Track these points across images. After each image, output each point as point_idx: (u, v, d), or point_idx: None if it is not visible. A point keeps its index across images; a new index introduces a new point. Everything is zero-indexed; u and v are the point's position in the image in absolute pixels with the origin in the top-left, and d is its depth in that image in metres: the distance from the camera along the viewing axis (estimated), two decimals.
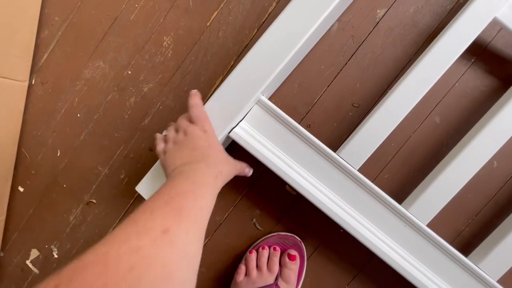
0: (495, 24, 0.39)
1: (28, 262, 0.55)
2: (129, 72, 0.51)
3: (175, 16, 0.50)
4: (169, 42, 0.50)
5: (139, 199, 0.52)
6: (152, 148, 0.52)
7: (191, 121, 0.37)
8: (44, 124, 0.53)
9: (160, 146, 0.38)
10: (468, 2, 0.38)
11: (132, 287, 0.20)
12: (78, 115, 0.53)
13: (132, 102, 0.51)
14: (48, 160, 0.54)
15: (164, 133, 0.40)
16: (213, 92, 0.50)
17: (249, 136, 0.40)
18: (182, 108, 0.50)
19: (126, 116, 0.52)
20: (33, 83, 0.53)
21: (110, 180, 0.53)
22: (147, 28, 0.50)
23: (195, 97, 0.38)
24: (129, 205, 0.53)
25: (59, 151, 0.53)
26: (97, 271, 0.20)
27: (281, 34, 0.37)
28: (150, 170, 0.42)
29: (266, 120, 0.40)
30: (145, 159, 0.52)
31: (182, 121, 0.38)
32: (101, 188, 0.53)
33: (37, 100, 0.53)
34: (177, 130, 0.38)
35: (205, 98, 0.50)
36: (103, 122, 0.52)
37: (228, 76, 0.39)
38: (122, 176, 0.52)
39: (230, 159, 0.39)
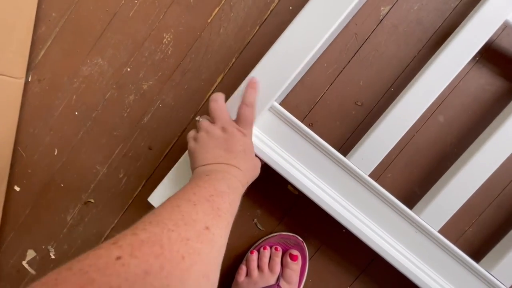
0: (506, 27, 0.38)
1: (24, 263, 0.54)
2: (128, 70, 0.50)
3: (175, 13, 0.49)
4: (169, 39, 0.49)
5: (138, 199, 0.52)
6: (151, 147, 0.51)
7: (234, 118, 0.36)
8: (41, 122, 0.52)
9: (192, 132, 0.37)
10: (477, 6, 0.38)
11: (183, 277, 0.20)
12: (76, 113, 0.52)
13: (131, 100, 0.51)
14: (45, 159, 0.53)
15: (197, 118, 0.38)
16: (214, 90, 0.50)
17: (254, 138, 0.39)
18: (182, 106, 0.50)
19: (125, 114, 0.51)
20: (29, 80, 0.52)
21: (108, 179, 0.52)
22: (146, 25, 0.50)
23: (252, 94, 0.36)
24: (127, 205, 0.52)
25: (56, 149, 0.52)
26: (154, 251, 0.20)
27: (295, 41, 0.37)
28: (163, 181, 0.41)
29: (272, 122, 0.40)
30: (144, 158, 0.51)
31: (224, 115, 0.36)
32: (99, 187, 0.52)
33: (33, 98, 0.52)
34: (212, 121, 0.36)
35: (205, 96, 0.49)
36: (102, 120, 0.51)
37: (241, 85, 0.38)
38: (121, 176, 0.51)
39: (257, 165, 0.37)
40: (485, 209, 0.44)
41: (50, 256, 0.54)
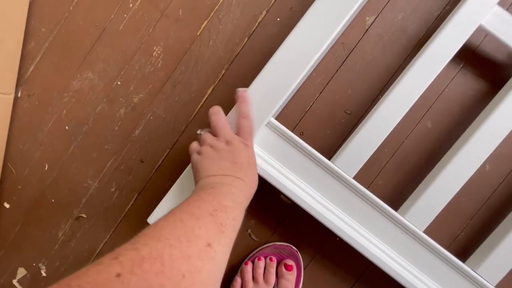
0: (481, 31, 0.39)
1: (15, 281, 0.53)
2: (119, 83, 0.50)
3: (164, 26, 0.49)
4: (159, 52, 0.50)
5: (130, 213, 0.51)
6: (143, 160, 0.51)
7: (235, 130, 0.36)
8: (31, 138, 0.52)
9: (194, 144, 0.37)
10: (454, 10, 0.39)
11: None
12: (66, 127, 0.51)
13: (122, 113, 0.50)
14: (36, 174, 0.52)
15: (198, 131, 0.38)
16: (204, 101, 0.50)
17: None
18: (173, 118, 0.50)
19: (116, 128, 0.51)
20: (19, 95, 0.52)
21: (100, 193, 0.51)
22: (136, 38, 0.50)
23: (246, 107, 0.37)
24: (120, 219, 0.51)
25: (46, 165, 0.52)
26: (155, 268, 0.20)
27: (290, 57, 0.38)
28: (161, 202, 0.40)
29: (266, 135, 0.40)
30: (136, 171, 0.51)
31: (227, 128, 0.36)
32: (91, 202, 0.51)
33: (23, 113, 0.52)
34: (213, 134, 0.36)
35: (196, 107, 0.50)
36: (93, 134, 0.51)
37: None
38: (113, 190, 0.51)
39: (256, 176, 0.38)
40: (476, 212, 0.45)
41: (41, 273, 0.52)
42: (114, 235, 0.52)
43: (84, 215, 0.52)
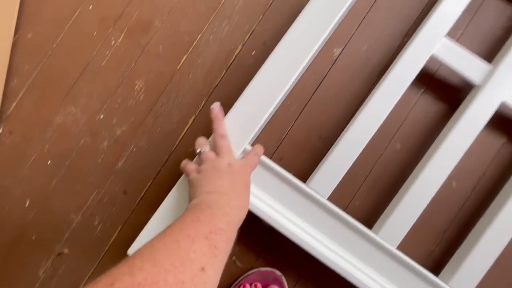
0: (434, 59, 0.43)
1: None
2: (101, 117, 0.52)
3: (145, 61, 0.52)
4: (140, 85, 0.52)
5: (114, 245, 0.51)
6: (126, 191, 0.51)
7: (214, 149, 0.38)
8: (12, 173, 0.52)
9: (192, 166, 0.38)
10: (409, 42, 0.43)
11: None
12: (49, 162, 0.52)
13: (105, 146, 0.51)
14: (15, 211, 0.51)
15: (199, 149, 0.38)
16: (186, 131, 0.51)
17: None
18: (156, 149, 0.51)
19: (99, 161, 0.51)
20: (0, 132, 0.52)
21: (83, 227, 0.51)
22: (118, 73, 0.52)
23: (222, 125, 0.39)
24: (104, 252, 0.51)
25: (28, 200, 0.51)
26: None
27: (263, 87, 0.41)
28: (142, 232, 0.41)
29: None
30: (119, 203, 0.51)
31: (231, 152, 0.38)
32: (73, 236, 0.51)
33: (4, 149, 0.52)
34: (217, 155, 0.37)
35: (178, 137, 0.51)
36: (75, 168, 0.51)
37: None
38: (96, 223, 0.51)
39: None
40: (448, 228, 0.47)
41: None
42: (98, 270, 0.51)
43: (66, 251, 0.51)
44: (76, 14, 0.53)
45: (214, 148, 0.38)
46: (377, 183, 0.48)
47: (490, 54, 0.48)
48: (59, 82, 0.52)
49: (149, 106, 0.51)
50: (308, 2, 0.42)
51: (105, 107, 0.52)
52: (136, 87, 0.52)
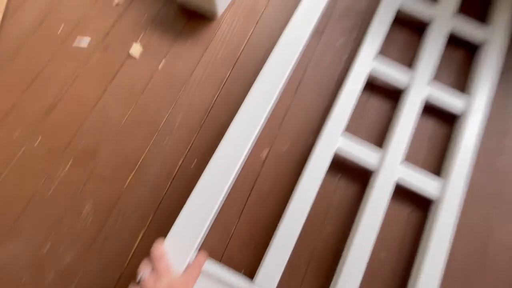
0: (340, 150, 0.55)
1: None
2: (48, 246, 0.52)
3: (93, 186, 0.55)
4: (88, 209, 0.54)
5: None
6: None
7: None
8: None
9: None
10: (317, 139, 0.55)
11: None
12: None
13: (50, 279, 0.50)
14: None
15: (140, 276, 0.41)
16: (137, 246, 0.53)
17: None
18: (107, 269, 0.51)
19: None
20: None
21: None
22: (66, 200, 0.54)
23: (159, 248, 0.43)
24: None
25: None
26: None
27: (200, 199, 0.48)
28: None
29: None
30: None
31: (170, 272, 0.41)
32: None
33: None
34: (156, 277, 0.40)
35: (129, 254, 0.53)
36: None
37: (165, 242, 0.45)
38: None
39: None
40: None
41: None
42: None
43: None
44: (22, 150, 0.57)
45: (157, 270, 0.41)
46: (320, 268, 0.52)
47: (381, 139, 0.60)
48: (3, 215, 0.53)
49: (98, 227, 0.53)
50: (232, 121, 0.52)
51: (53, 233, 0.52)
52: (84, 211, 0.54)
